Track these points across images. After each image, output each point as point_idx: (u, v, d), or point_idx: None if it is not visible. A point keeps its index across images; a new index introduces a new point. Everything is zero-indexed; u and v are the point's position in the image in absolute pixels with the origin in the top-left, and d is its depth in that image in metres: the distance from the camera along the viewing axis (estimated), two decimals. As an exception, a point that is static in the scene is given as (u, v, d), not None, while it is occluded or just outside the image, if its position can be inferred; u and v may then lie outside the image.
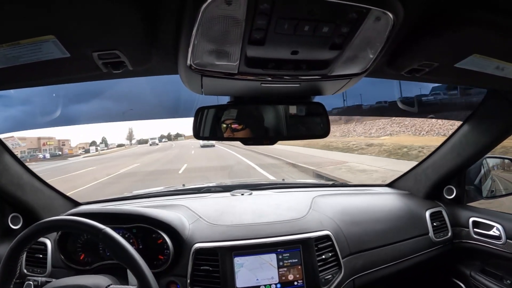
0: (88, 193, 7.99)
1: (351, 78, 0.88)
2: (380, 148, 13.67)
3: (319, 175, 8.48)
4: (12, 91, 1.03)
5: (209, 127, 1.04)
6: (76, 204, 1.63)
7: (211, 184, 1.95)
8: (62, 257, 1.27)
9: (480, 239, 1.49)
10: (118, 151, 35.89)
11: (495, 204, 1.64)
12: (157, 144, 41.64)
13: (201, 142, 25.74)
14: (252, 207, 1.50)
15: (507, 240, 1.37)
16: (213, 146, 24.47)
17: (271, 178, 8.23)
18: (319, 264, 1.27)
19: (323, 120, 1.07)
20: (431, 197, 1.73)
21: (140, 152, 25.12)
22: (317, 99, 1.08)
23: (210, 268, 1.21)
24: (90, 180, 10.31)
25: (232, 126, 1.04)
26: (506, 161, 1.65)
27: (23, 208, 1.35)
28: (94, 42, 0.70)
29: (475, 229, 1.52)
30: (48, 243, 1.31)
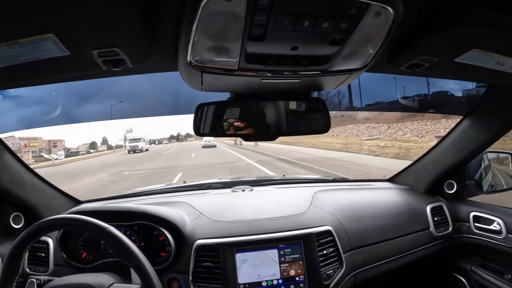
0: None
1: (351, 73, 0.88)
2: None
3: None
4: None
5: (210, 124, 1.04)
6: (77, 202, 1.63)
7: (212, 181, 1.94)
8: (64, 255, 1.27)
9: (481, 234, 1.49)
10: (87, 158, 25.73)
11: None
12: (142, 151, 26.48)
13: (203, 142, 25.24)
14: (253, 203, 1.50)
15: (508, 235, 1.38)
16: (215, 146, 24.11)
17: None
18: (320, 259, 1.27)
19: (323, 116, 1.07)
20: (431, 192, 1.74)
21: (96, 167, 15.93)
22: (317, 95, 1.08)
23: (212, 265, 1.21)
24: None
25: (234, 124, 1.04)
26: (506, 155, 1.65)
27: (24, 207, 1.35)
28: (93, 40, 0.70)
29: (475, 224, 1.52)
30: (50, 242, 1.31)
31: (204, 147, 24.41)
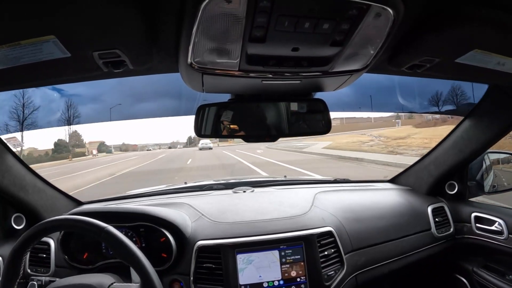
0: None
1: (352, 74, 0.88)
2: None
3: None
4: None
5: (211, 125, 1.05)
6: (79, 203, 1.63)
7: (213, 182, 1.94)
8: (66, 256, 1.27)
9: (483, 234, 1.49)
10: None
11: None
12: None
13: (200, 145, 25.40)
14: (254, 204, 1.50)
15: (509, 235, 1.38)
16: (211, 148, 24.10)
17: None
18: (321, 260, 1.27)
19: (324, 117, 1.07)
20: (433, 192, 1.73)
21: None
22: (318, 95, 1.08)
23: (213, 266, 1.21)
24: None
25: (233, 125, 1.04)
26: (508, 155, 1.64)
27: (26, 208, 1.35)
28: (94, 41, 0.70)
29: (477, 224, 1.52)
30: (52, 243, 1.32)
31: (201, 149, 24.45)
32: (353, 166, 10.38)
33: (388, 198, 1.70)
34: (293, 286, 1.23)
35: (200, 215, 1.40)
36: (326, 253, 1.29)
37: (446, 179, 1.70)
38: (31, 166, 1.35)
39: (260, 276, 1.22)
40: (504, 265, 1.45)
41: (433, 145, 1.69)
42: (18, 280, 0.92)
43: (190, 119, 1.06)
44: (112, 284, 0.95)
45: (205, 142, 24.27)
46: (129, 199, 1.74)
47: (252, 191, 1.72)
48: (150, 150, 41.73)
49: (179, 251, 1.26)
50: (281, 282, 1.22)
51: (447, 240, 1.59)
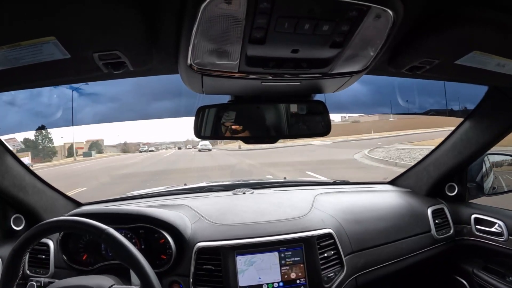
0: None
1: (351, 76, 0.88)
2: None
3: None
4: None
5: (211, 127, 1.05)
6: (78, 204, 1.63)
7: (212, 183, 1.94)
8: (65, 257, 1.27)
9: (482, 236, 1.49)
10: None
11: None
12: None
13: (199, 146, 25.87)
14: (254, 206, 1.50)
15: (509, 237, 1.37)
16: (210, 150, 24.39)
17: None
18: (321, 262, 1.26)
19: (324, 118, 1.07)
20: (433, 194, 1.73)
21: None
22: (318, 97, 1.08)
23: (213, 267, 1.21)
24: None
25: (233, 126, 1.04)
26: (508, 157, 1.64)
27: (25, 209, 1.35)
28: (94, 43, 0.70)
29: (477, 226, 1.52)
30: (51, 244, 1.31)
31: (200, 150, 24.91)
32: None
33: (388, 199, 1.69)
34: None
35: (200, 216, 1.40)
36: (325, 255, 1.28)
37: (446, 180, 1.70)
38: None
39: (259, 278, 1.21)
40: (504, 267, 1.45)
41: None
42: (17, 281, 0.92)
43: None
44: (111, 286, 0.94)
45: (204, 143, 24.80)
46: (129, 201, 1.74)
47: (252, 193, 1.71)
48: (153, 151, 36.99)
49: (178, 253, 1.26)
50: (281, 284, 1.22)
51: (447, 242, 1.59)
